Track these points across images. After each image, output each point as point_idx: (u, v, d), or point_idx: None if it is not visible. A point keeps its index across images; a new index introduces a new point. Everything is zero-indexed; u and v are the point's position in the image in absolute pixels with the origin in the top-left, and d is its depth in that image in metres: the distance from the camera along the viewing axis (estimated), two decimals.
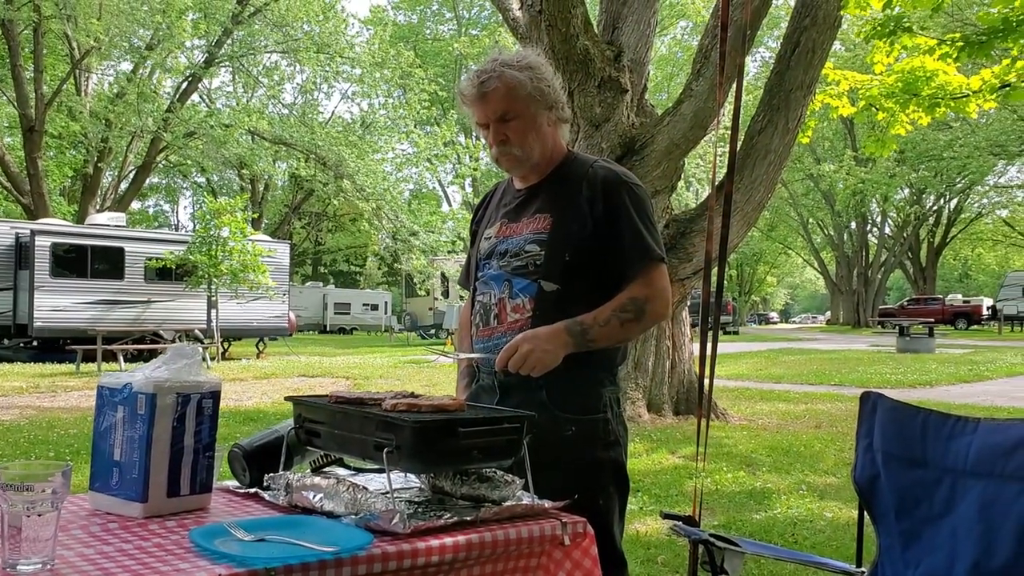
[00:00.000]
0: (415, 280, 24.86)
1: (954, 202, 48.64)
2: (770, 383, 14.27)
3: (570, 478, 2.06)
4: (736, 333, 39.08)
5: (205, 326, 19.75)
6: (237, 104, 31.70)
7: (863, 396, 2.62)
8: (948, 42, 8.93)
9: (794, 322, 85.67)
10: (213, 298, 19.35)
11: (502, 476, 1.91)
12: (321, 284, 52.77)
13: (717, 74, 8.19)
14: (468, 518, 1.70)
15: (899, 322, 26.02)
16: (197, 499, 1.80)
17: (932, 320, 38.27)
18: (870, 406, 2.59)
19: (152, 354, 17.72)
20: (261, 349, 22.87)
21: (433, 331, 31.90)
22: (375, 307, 49.37)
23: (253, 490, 1.96)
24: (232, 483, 2.06)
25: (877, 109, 10.67)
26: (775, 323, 78.91)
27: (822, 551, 4.72)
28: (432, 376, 15.34)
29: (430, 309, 30.71)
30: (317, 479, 1.86)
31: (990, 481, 2.31)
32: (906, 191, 44.33)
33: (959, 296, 47.73)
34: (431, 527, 1.62)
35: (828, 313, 68.11)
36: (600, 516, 2.10)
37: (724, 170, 3.90)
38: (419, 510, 1.79)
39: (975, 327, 42.56)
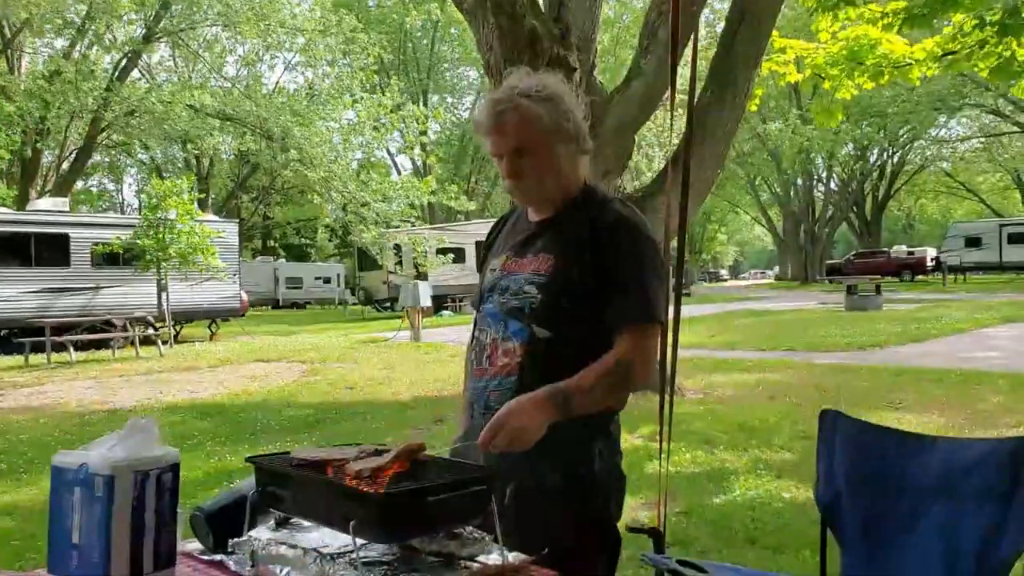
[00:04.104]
0: (373, 252, 24.56)
1: (897, 156, 49.45)
2: (724, 350, 14.43)
3: (552, 529, 2.03)
4: (688, 295, 39.43)
5: (156, 310, 19.45)
6: (178, 79, 30.99)
7: (822, 415, 2.66)
8: (890, 14, 9.00)
9: (744, 278, 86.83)
10: (163, 282, 19.05)
11: (471, 532, 1.90)
12: (272, 258, 52.26)
13: (669, 52, 8.18)
14: None
15: (848, 281, 26.45)
16: (161, 575, 1.77)
17: (879, 274, 39.07)
18: (829, 425, 2.63)
19: (103, 344, 17.46)
20: (214, 331, 22.62)
21: (388, 304, 31.75)
22: (328, 280, 49.07)
23: (218, 557, 1.93)
24: (195, 546, 2.02)
25: (823, 78, 10.76)
26: (725, 280, 79.89)
27: (783, 537, 4.81)
28: (389, 357, 15.28)
29: (384, 282, 30.51)
30: (283, 549, 1.83)
31: (950, 500, 2.36)
32: (850, 146, 44.89)
33: (904, 248, 48.57)
34: None
35: (777, 268, 69.13)
36: (583, 569, 2.08)
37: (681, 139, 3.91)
38: (388, 573, 1.78)
39: (920, 278, 43.43)
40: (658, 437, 3.51)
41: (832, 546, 2.59)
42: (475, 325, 2.34)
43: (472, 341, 2.34)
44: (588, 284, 2.11)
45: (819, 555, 2.66)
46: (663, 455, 3.18)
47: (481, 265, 2.46)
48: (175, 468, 1.83)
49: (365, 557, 1.81)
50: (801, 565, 4.28)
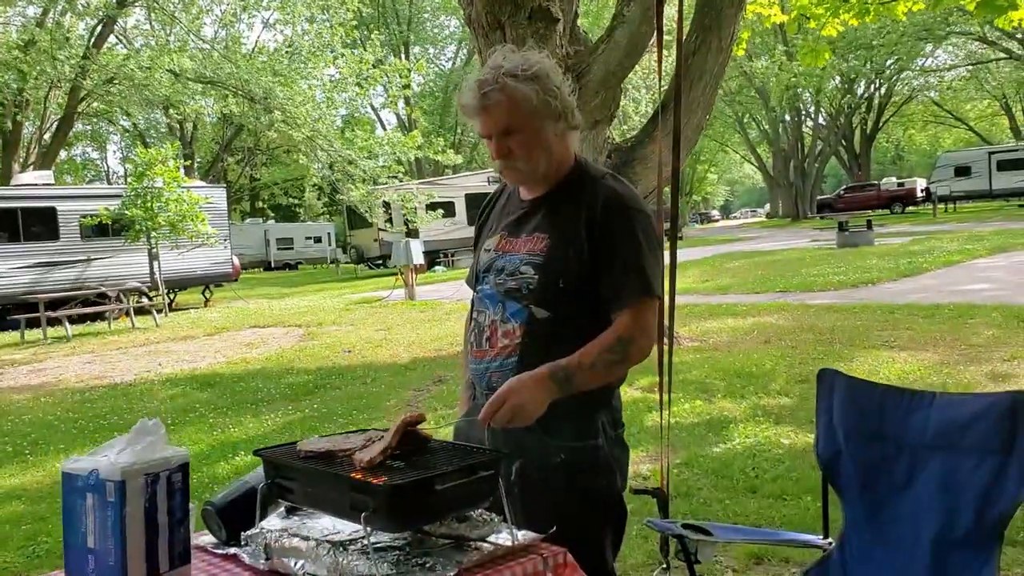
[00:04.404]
0: (362, 210, 24.46)
1: (884, 88, 49.16)
2: (717, 295, 14.48)
3: (559, 506, 2.08)
4: (681, 238, 39.36)
5: (148, 280, 19.42)
6: (156, 43, 30.52)
7: (820, 374, 2.68)
8: None
9: (735, 218, 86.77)
10: (154, 250, 19.00)
11: (480, 514, 1.93)
12: (261, 220, 52.07)
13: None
14: (451, 573, 1.72)
15: (839, 216, 26.46)
16: (177, 573, 1.80)
17: (868, 207, 39.03)
18: (828, 384, 2.65)
19: (98, 316, 17.45)
20: (208, 297, 22.63)
21: (381, 262, 31.72)
22: (318, 239, 48.98)
23: (232, 551, 1.95)
24: (208, 539, 2.05)
25: (808, 18, 10.68)
26: (716, 220, 79.82)
27: (784, 484, 4.88)
28: (386, 318, 15.30)
29: (375, 240, 30.42)
30: (296, 541, 1.86)
31: (949, 454, 2.39)
32: (837, 80, 44.58)
33: (894, 179, 48.48)
34: None
35: (768, 206, 69.06)
36: (589, 545, 2.11)
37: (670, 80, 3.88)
38: (400, 558, 1.81)
39: (911, 209, 43.51)
40: (656, 389, 3.54)
41: (833, 496, 2.63)
42: (472, 306, 2.35)
43: (470, 322, 2.35)
44: (584, 264, 2.13)
45: (821, 508, 2.71)
46: (664, 409, 3.22)
47: (475, 244, 2.46)
48: (184, 467, 1.85)
49: (377, 543, 1.84)
50: (803, 513, 4.34)
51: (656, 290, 2.15)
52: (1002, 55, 42.48)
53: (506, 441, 2.09)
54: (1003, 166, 39.75)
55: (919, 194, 43.50)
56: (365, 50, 26.43)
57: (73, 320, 16.38)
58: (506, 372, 2.17)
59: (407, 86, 31.38)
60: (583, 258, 2.13)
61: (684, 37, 9.33)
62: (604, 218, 2.13)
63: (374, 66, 26.84)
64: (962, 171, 41.21)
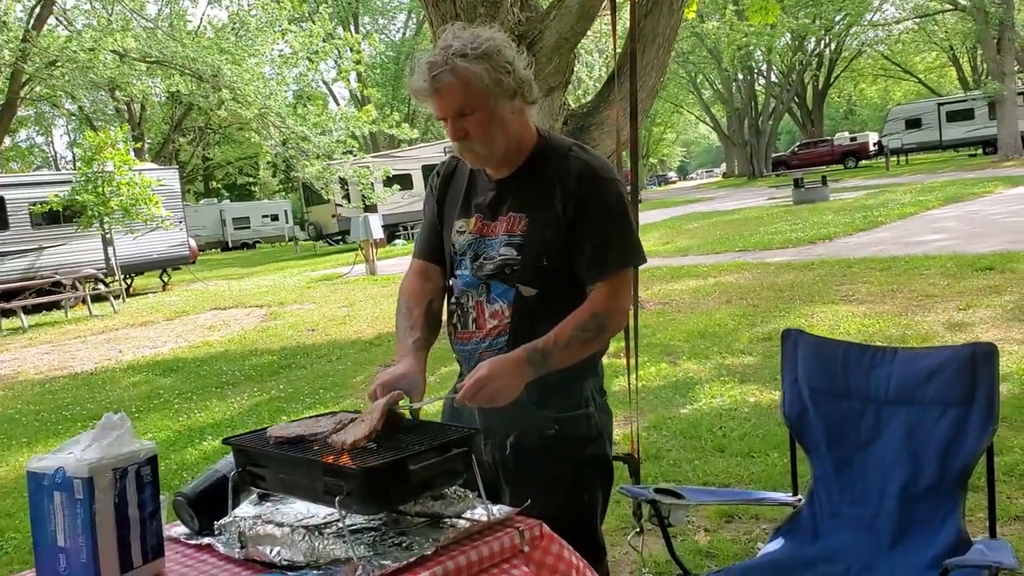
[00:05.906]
0: (318, 187, 24.22)
1: (834, 44, 49.48)
2: (678, 257, 14.58)
3: (553, 477, 2.11)
4: (640, 202, 39.48)
5: (104, 265, 19.12)
6: (98, 23, 29.83)
7: (784, 334, 2.71)
8: None
9: (692, 179, 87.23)
10: (108, 236, 18.69)
11: (455, 491, 1.93)
12: (216, 200, 51.41)
13: None
14: (428, 552, 1.72)
15: (793, 173, 26.67)
16: (151, 567, 1.78)
17: (823, 163, 39.36)
18: (791, 343, 2.69)
19: (55, 305, 17.15)
20: (166, 281, 22.34)
21: (339, 238, 31.49)
22: (275, 217, 48.47)
23: (206, 541, 1.93)
24: (180, 529, 2.03)
25: None
26: (674, 182, 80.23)
27: (751, 442, 4.95)
28: (348, 294, 15.22)
29: (333, 216, 30.14)
30: (270, 528, 1.84)
31: (911, 408, 2.44)
32: (788, 37, 44.76)
33: (846, 134, 49.02)
34: (397, 570, 1.64)
35: (724, 166, 69.47)
36: (583, 512, 2.16)
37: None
38: (376, 539, 1.80)
39: (864, 163, 44.00)
40: (622, 354, 3.56)
41: (800, 454, 2.67)
42: (450, 291, 2.32)
43: (451, 303, 2.32)
44: (563, 240, 2.12)
45: (790, 465, 2.75)
46: (631, 374, 3.23)
47: (439, 219, 2.40)
48: (153, 460, 1.83)
49: (352, 525, 1.83)
50: (770, 469, 4.41)
51: (632, 261, 2.17)
52: (948, 7, 42.84)
53: (499, 416, 2.10)
54: (952, 117, 40.22)
55: (872, 148, 44.00)
56: (314, 24, 26.02)
57: (28, 310, 16.11)
58: (495, 352, 2.16)
59: (359, 61, 30.97)
60: (562, 234, 2.12)
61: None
62: (579, 192, 2.12)
63: (324, 40, 26.44)
64: (913, 123, 41.65)
